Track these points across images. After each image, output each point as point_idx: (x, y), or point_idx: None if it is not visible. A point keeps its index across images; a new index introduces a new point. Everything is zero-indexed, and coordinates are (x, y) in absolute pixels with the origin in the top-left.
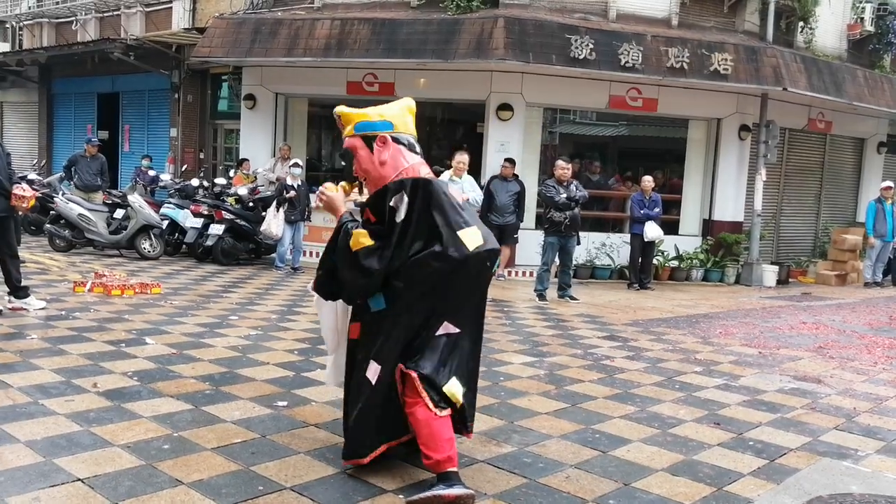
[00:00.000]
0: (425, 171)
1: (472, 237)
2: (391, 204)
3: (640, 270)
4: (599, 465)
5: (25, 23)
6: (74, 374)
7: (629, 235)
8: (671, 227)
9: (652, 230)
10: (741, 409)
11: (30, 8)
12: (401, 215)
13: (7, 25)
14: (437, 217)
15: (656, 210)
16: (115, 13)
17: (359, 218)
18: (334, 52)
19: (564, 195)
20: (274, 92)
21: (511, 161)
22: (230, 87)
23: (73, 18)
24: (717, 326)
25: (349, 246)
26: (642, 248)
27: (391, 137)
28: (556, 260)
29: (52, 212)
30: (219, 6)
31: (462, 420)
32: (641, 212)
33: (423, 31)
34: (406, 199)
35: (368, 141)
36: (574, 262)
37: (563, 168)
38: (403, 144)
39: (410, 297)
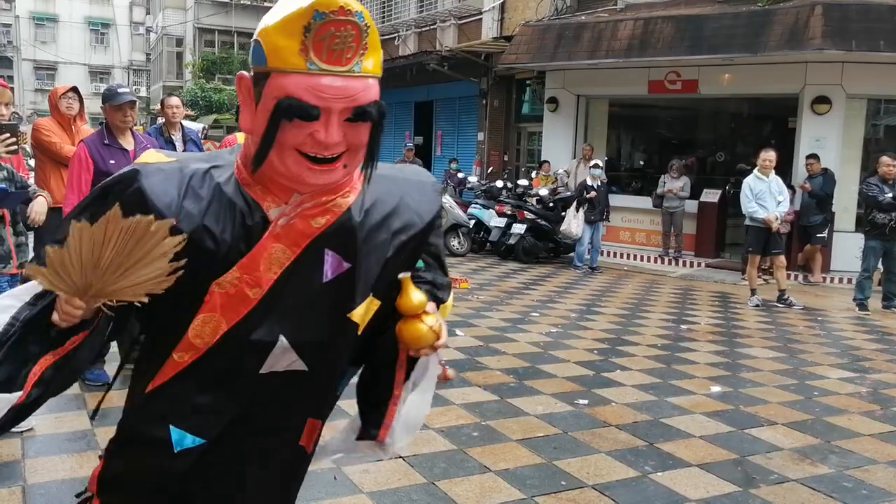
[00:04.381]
0: None
1: None
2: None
3: None
4: None
5: None
6: None
7: None
8: None
9: None
10: None
11: None
12: None
13: None
14: None
15: None
16: (432, 27)
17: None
18: (637, 52)
19: (890, 195)
20: (576, 94)
21: (812, 156)
22: (534, 91)
23: (396, 34)
24: None
25: None
26: None
27: None
28: (879, 266)
29: None
30: (525, 14)
31: None
32: None
33: (731, 25)
34: None
35: None
36: None
37: (889, 165)
38: None
39: None
